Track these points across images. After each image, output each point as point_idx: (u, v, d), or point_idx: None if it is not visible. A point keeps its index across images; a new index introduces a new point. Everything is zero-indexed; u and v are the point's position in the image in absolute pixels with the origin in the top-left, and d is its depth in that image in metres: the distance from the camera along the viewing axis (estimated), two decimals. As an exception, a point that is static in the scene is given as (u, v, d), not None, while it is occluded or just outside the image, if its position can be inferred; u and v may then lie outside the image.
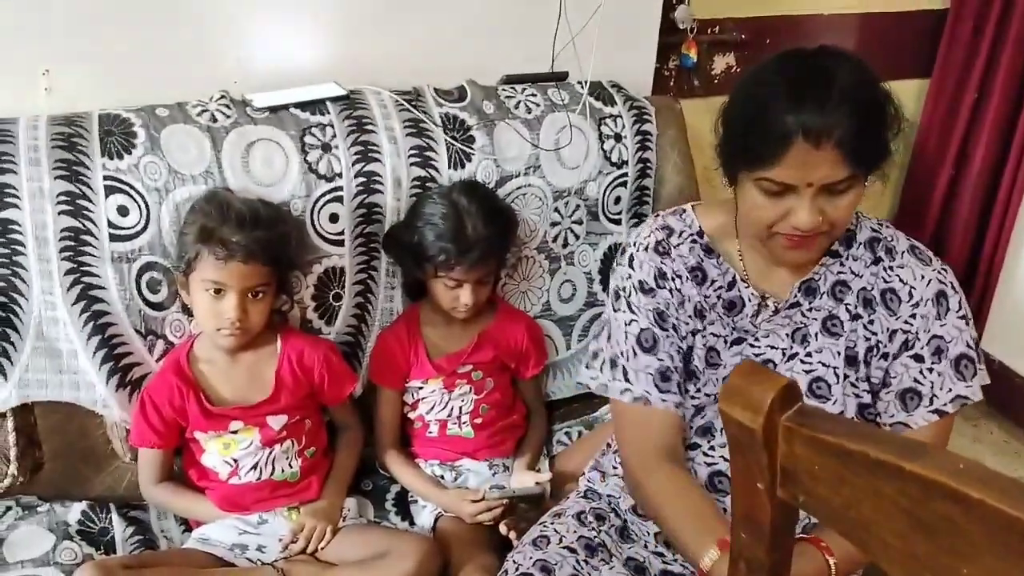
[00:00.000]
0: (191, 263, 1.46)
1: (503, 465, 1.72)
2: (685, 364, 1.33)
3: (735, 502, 0.81)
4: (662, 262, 1.32)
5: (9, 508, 1.55)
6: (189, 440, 1.55)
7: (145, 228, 1.53)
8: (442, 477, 1.68)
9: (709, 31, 2.22)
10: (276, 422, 1.55)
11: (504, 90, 1.84)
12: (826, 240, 1.22)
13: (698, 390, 1.33)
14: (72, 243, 1.49)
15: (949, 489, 0.62)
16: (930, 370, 1.23)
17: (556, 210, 1.82)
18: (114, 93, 1.63)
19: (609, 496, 1.44)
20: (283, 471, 1.57)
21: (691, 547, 1.16)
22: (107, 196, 1.51)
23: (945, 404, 1.23)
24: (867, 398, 1.27)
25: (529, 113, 1.81)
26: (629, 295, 1.34)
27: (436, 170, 1.71)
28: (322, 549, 1.52)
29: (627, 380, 1.31)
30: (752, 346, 1.30)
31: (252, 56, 1.74)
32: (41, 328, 1.50)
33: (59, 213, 1.48)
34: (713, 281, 1.32)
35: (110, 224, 1.51)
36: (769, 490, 0.76)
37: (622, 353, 1.33)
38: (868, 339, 1.26)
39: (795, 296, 1.29)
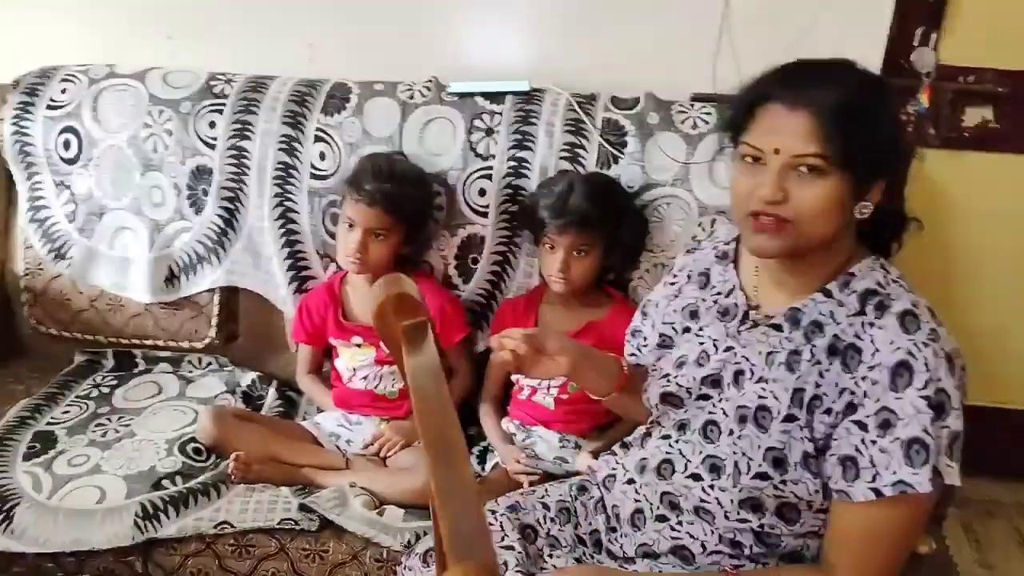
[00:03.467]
0: (342, 201, 1.84)
1: (575, 443, 1.83)
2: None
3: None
4: (684, 259, 1.44)
5: (210, 363, 2.08)
6: (331, 345, 1.94)
7: (335, 173, 1.94)
8: (514, 435, 1.85)
9: (961, 79, 2.04)
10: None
11: (679, 105, 1.93)
12: (794, 236, 1.15)
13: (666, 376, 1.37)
14: (283, 174, 1.96)
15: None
16: (873, 442, 1.12)
17: (699, 225, 1.88)
18: (359, 67, 2.07)
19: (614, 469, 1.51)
20: (385, 388, 1.88)
21: None
22: (314, 143, 1.95)
23: (885, 486, 1.11)
24: (810, 447, 1.18)
25: (694, 129, 1.89)
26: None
27: (582, 166, 1.89)
28: (390, 457, 1.81)
29: None
30: (736, 353, 1.29)
31: (469, 51, 2.10)
32: (251, 233, 1.99)
33: (278, 149, 1.95)
34: (714, 286, 1.36)
35: (312, 165, 1.95)
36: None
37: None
38: (818, 386, 1.18)
39: (780, 318, 1.25)
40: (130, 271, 2.03)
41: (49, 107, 2.02)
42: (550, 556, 1.40)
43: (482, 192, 1.92)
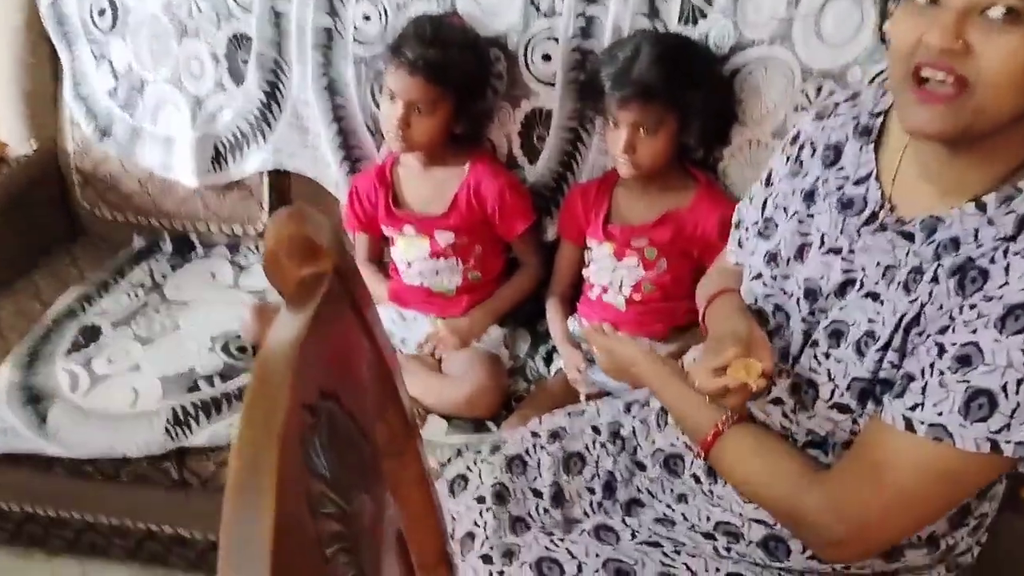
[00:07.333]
0: (384, 71, 1.62)
1: (648, 346, 1.63)
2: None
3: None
4: (810, 126, 1.12)
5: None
6: (385, 233, 1.77)
7: (381, 36, 1.71)
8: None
9: None
10: (442, 238, 1.68)
11: (788, -54, 1.58)
12: (971, 109, 0.84)
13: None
14: (325, 40, 1.74)
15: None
16: (940, 372, 0.87)
17: (804, 92, 1.57)
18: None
19: None
20: (442, 284, 1.71)
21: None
22: (357, 3, 1.71)
23: (921, 422, 0.87)
24: (895, 375, 0.94)
25: (801, -26, 1.55)
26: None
27: (662, 23, 1.58)
28: (444, 357, 1.67)
29: None
30: (844, 259, 1.01)
31: None
32: (296, 108, 1.81)
33: (316, 10, 1.73)
34: (842, 167, 1.06)
35: (355, 28, 1.72)
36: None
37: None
38: (923, 305, 0.91)
39: (915, 226, 0.96)
40: (174, 151, 1.90)
41: (80, -30, 1.86)
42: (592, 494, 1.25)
43: (547, 58, 1.65)
